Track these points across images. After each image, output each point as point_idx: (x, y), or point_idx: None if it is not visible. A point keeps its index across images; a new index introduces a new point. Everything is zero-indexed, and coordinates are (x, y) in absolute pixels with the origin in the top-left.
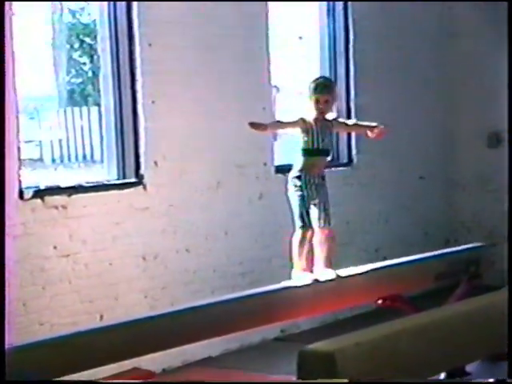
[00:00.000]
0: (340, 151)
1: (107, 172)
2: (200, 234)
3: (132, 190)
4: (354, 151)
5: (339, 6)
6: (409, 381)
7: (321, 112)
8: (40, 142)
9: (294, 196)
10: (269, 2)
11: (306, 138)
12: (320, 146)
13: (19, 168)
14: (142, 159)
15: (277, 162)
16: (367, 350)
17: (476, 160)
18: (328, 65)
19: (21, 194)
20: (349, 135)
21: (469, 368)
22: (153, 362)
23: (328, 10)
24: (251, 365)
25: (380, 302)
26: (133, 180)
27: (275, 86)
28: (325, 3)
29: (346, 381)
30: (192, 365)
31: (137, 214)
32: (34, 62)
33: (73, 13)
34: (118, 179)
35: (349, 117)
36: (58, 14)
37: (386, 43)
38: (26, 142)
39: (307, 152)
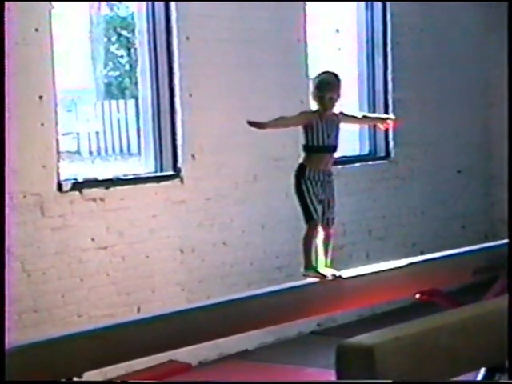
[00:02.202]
0: (377, 144)
1: (144, 165)
2: (237, 228)
3: (169, 183)
4: (391, 144)
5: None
6: (449, 380)
7: (325, 109)
8: (77, 134)
9: (299, 191)
10: None
11: (310, 134)
12: (325, 142)
13: (58, 160)
14: (179, 152)
15: None
16: (407, 345)
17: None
18: (365, 58)
19: (59, 187)
20: (386, 129)
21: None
22: (189, 354)
23: (366, 3)
24: (287, 359)
25: (418, 296)
26: (170, 173)
27: (312, 79)
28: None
29: (389, 381)
30: (228, 358)
31: (174, 207)
32: (71, 55)
33: (111, 6)
34: (156, 172)
35: (386, 110)
36: (95, 8)
37: (425, 37)
38: (64, 134)
39: (312, 148)
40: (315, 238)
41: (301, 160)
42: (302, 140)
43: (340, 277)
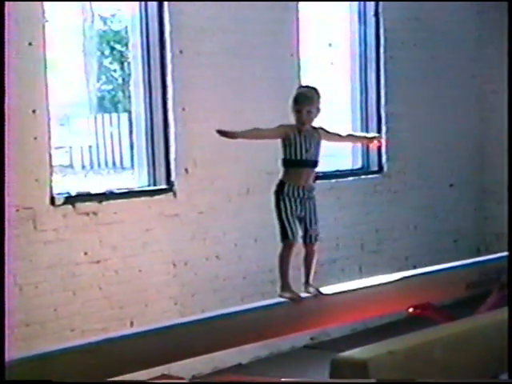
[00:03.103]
0: (370, 158)
1: (137, 179)
2: (230, 241)
3: (162, 196)
4: (384, 158)
5: (370, 12)
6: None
7: (303, 123)
8: (70, 148)
9: (277, 208)
10: (300, 10)
11: (288, 148)
12: (304, 157)
13: (51, 174)
14: (172, 166)
15: None
16: (400, 359)
17: (507, 168)
18: (358, 72)
19: (52, 200)
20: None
21: None
22: (182, 368)
23: (359, 17)
24: (281, 372)
25: (411, 310)
26: (163, 187)
27: None
28: (356, 10)
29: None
30: (222, 371)
31: (167, 220)
32: (65, 68)
33: (104, 20)
34: (149, 186)
35: (379, 124)
36: (89, 21)
37: (417, 51)
38: (57, 148)
39: (290, 162)
40: (290, 258)
41: (280, 176)
42: (282, 154)
43: (321, 293)
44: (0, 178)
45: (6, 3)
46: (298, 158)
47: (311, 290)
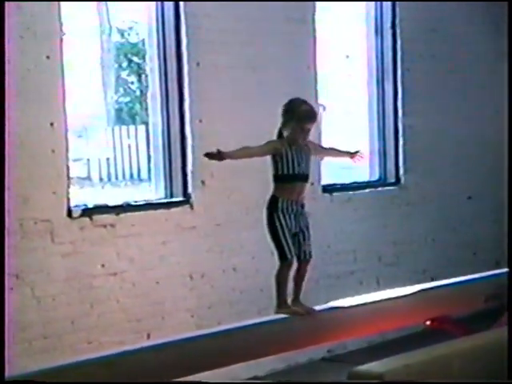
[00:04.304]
0: (387, 170)
1: (154, 191)
2: (247, 254)
3: (179, 209)
4: (401, 171)
5: (387, 24)
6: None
7: (303, 139)
8: (88, 160)
9: (272, 225)
10: (316, 22)
11: (280, 163)
12: (296, 171)
13: (68, 187)
14: (189, 178)
15: (324, 181)
16: (416, 373)
17: None
18: (375, 84)
19: (69, 213)
20: (396, 156)
21: None
22: (199, 380)
23: (376, 30)
24: None
25: (428, 323)
26: (180, 199)
27: (322, 105)
28: (372, 22)
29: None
30: None
31: (184, 233)
32: (82, 80)
33: (121, 32)
34: (166, 198)
35: (396, 136)
36: (106, 34)
37: (434, 63)
38: (75, 160)
39: (283, 177)
40: (288, 276)
41: (272, 191)
42: (272, 170)
43: (314, 311)
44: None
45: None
46: (291, 172)
47: (301, 308)
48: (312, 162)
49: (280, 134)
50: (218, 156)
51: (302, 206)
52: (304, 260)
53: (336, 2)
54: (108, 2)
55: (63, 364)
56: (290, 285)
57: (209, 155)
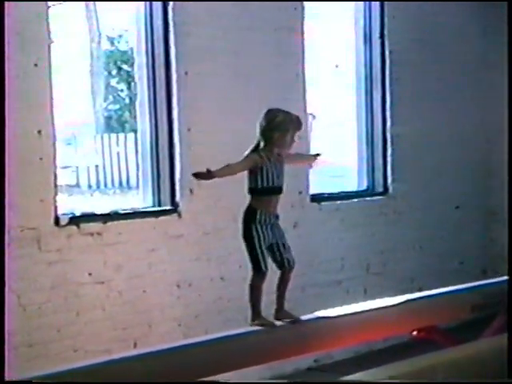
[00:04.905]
0: (375, 180)
1: (143, 199)
2: (234, 262)
3: (167, 217)
4: (389, 180)
5: (376, 33)
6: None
7: (288, 148)
8: (77, 167)
9: (249, 236)
10: (305, 31)
11: (259, 176)
12: (275, 183)
13: (55, 194)
14: (177, 186)
15: (312, 191)
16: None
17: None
18: (364, 93)
19: (57, 221)
20: (384, 165)
21: None
22: None
23: (365, 39)
24: None
25: (415, 333)
26: (168, 207)
27: (311, 114)
28: (361, 32)
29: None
30: None
31: (171, 241)
32: (71, 88)
33: (111, 40)
34: (154, 206)
35: (385, 145)
36: (95, 42)
37: (422, 72)
38: (63, 167)
39: (262, 191)
40: (262, 287)
41: (249, 203)
42: (247, 183)
43: (299, 320)
44: (0, 195)
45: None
46: (270, 185)
47: (287, 316)
48: (298, 171)
49: (257, 146)
50: (206, 175)
51: (277, 217)
52: (288, 268)
53: (325, 1)
54: (98, 10)
55: (49, 372)
56: (273, 295)
57: (197, 175)
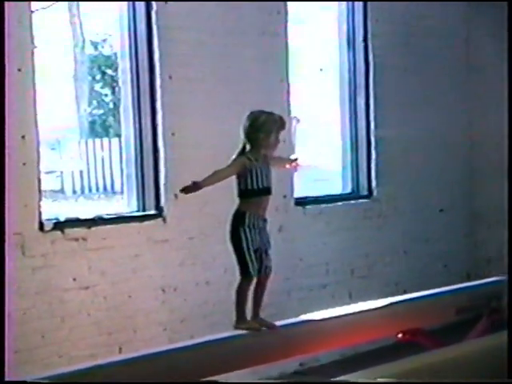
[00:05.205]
0: (360, 183)
1: (127, 204)
2: (219, 267)
3: (152, 222)
4: (374, 183)
5: (359, 37)
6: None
7: (273, 148)
8: (61, 173)
9: (237, 240)
10: (289, 34)
11: (249, 178)
12: (264, 184)
13: (40, 200)
14: (161, 191)
15: (296, 194)
16: None
17: (498, 193)
18: (348, 97)
19: (41, 226)
20: (369, 168)
21: None
22: None
23: (348, 43)
24: None
25: (400, 335)
26: (152, 212)
27: (295, 117)
28: (345, 36)
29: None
30: None
31: (156, 246)
32: (55, 93)
33: (95, 45)
34: (138, 211)
35: (369, 149)
36: (79, 46)
37: (406, 76)
38: (48, 172)
39: (251, 193)
40: (248, 292)
41: (238, 206)
42: (236, 186)
43: (276, 327)
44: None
45: None
46: (260, 186)
47: (262, 324)
48: (282, 175)
49: (243, 150)
50: (193, 187)
51: (265, 221)
52: (264, 275)
53: (309, 1)
54: (81, 15)
55: (34, 379)
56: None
57: (185, 190)
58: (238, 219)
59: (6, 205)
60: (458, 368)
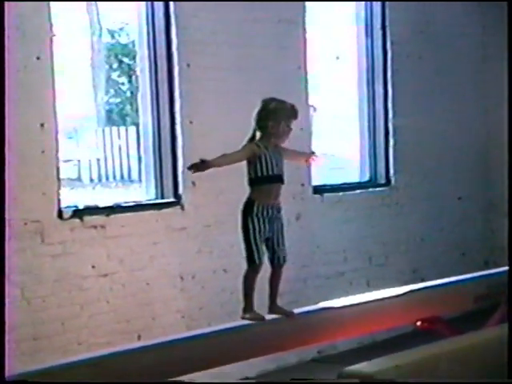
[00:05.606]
0: (378, 171)
1: (145, 192)
2: (237, 254)
3: (170, 210)
4: (391, 171)
5: (377, 25)
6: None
7: (284, 137)
8: (78, 161)
9: (245, 229)
10: (306, 23)
11: (258, 165)
12: (274, 171)
13: (58, 188)
14: (179, 179)
15: (314, 182)
16: (407, 373)
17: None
18: (366, 85)
19: (60, 214)
20: (386, 156)
21: None
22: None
23: (366, 31)
24: None
25: (419, 323)
26: (171, 200)
27: (312, 106)
28: (363, 23)
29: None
30: None
31: (174, 234)
32: (73, 82)
33: (112, 33)
34: (156, 199)
35: (387, 137)
36: (96, 35)
37: (423, 64)
38: (65, 161)
39: (261, 180)
40: (256, 280)
41: (248, 195)
42: (247, 174)
43: (292, 314)
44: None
45: (13, 14)
46: (270, 173)
47: (280, 311)
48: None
49: (253, 137)
50: (202, 166)
51: (279, 210)
52: (278, 265)
53: (326, 1)
54: (98, 3)
55: (53, 365)
56: (266, 290)
57: (192, 167)
58: (247, 208)
59: (25, 193)
60: (476, 356)
